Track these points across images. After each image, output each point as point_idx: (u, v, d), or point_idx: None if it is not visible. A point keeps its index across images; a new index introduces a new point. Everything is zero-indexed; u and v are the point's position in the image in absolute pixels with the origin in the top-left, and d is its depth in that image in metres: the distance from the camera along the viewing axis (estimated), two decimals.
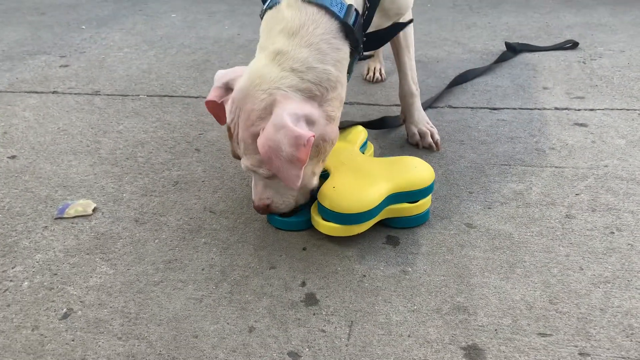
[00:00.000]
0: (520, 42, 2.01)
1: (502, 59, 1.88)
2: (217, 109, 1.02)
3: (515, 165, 1.26)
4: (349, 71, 1.04)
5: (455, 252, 0.99)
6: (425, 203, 1.05)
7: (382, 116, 1.43)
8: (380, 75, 1.77)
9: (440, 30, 2.28)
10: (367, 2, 1.08)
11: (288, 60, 0.91)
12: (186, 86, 1.78)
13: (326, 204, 0.99)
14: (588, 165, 1.24)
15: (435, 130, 1.36)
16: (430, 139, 1.34)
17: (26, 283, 0.95)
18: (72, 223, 1.10)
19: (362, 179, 1.04)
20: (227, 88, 0.98)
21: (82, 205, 1.14)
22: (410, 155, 1.24)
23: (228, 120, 0.96)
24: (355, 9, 1.00)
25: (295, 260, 0.98)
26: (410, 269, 0.95)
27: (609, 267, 0.94)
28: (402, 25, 1.17)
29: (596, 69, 1.80)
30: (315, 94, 0.92)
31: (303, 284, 0.93)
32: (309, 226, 1.05)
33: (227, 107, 0.96)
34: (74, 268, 0.98)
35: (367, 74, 1.77)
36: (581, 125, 1.43)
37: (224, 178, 1.25)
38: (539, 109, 1.53)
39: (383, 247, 1.01)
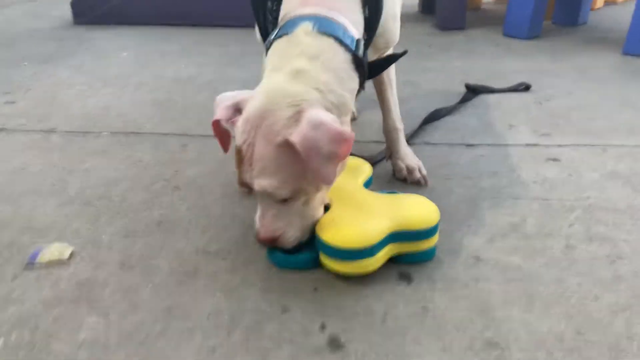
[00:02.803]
0: (476, 84, 2.10)
1: (465, 99, 1.95)
2: (221, 133, 0.95)
3: (505, 199, 1.27)
4: None
5: (471, 286, 0.96)
6: (432, 239, 1.02)
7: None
8: (353, 113, 1.77)
9: (399, 74, 2.33)
10: (365, 36, 1.08)
11: (311, 80, 0.89)
12: (152, 123, 1.69)
13: (324, 236, 0.95)
14: (573, 198, 1.28)
15: (421, 165, 1.36)
16: (418, 174, 1.33)
17: (1, 341, 0.81)
18: (47, 270, 0.97)
19: (363, 214, 1.00)
20: (236, 109, 0.92)
21: (57, 249, 1.01)
22: (400, 189, 1.22)
23: (239, 141, 0.89)
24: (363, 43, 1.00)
25: (308, 302, 0.91)
26: (430, 306, 0.91)
27: (622, 294, 0.94)
28: (398, 56, 1.18)
29: (552, 108, 1.90)
30: (333, 114, 0.89)
31: (323, 327, 0.86)
32: (315, 265, 0.99)
33: (239, 129, 0.89)
34: (57, 321, 0.85)
35: None
36: (554, 160, 1.49)
37: (211, 217, 1.17)
38: (511, 145, 1.58)
39: (398, 284, 0.97)
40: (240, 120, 0.89)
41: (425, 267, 1.01)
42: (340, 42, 0.94)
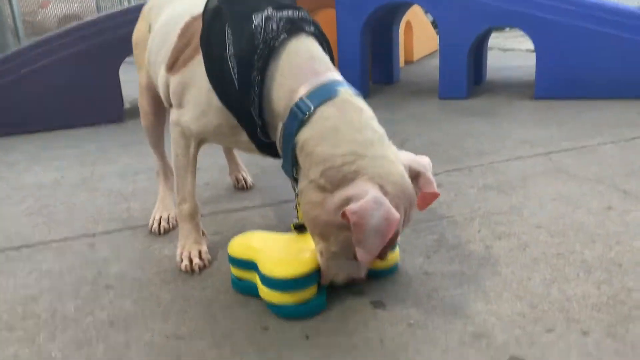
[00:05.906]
0: None
1: None
2: None
3: (418, 222, 1.44)
4: None
5: (435, 297, 1.08)
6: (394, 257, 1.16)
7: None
8: (245, 182, 1.83)
9: None
10: None
11: (388, 140, 1.08)
12: (39, 232, 1.54)
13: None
14: (467, 211, 1.50)
15: None
16: None
17: None
18: None
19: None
20: None
21: None
22: None
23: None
24: None
25: (304, 349, 0.93)
26: (413, 321, 1.00)
27: (545, 271, 1.15)
28: None
29: (414, 148, 2.16)
30: None
31: None
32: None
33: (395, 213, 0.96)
34: None
35: (239, 183, 1.82)
36: (438, 185, 1.72)
37: (163, 304, 1.12)
38: None
39: (375, 312, 1.04)
40: (390, 201, 0.96)
41: (389, 290, 1.10)
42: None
